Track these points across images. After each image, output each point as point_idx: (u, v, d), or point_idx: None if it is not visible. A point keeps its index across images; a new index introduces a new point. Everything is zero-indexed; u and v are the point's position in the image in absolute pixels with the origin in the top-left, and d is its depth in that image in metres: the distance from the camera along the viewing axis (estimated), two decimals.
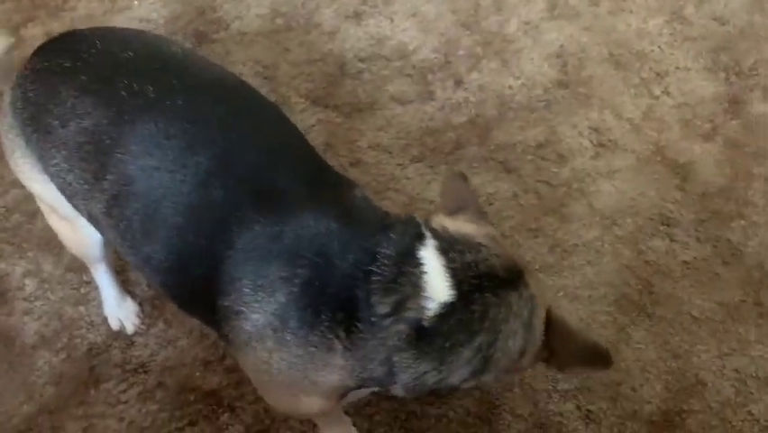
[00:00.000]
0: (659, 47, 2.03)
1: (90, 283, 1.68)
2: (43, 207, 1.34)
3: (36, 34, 2.24)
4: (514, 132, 1.88)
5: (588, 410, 1.45)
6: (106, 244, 1.36)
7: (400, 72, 2.03)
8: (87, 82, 1.06)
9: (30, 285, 1.69)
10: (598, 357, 0.95)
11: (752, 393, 1.46)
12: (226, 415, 1.48)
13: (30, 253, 1.75)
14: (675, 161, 1.81)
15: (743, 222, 1.70)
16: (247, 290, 0.95)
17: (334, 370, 0.95)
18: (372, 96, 1.99)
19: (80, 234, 1.29)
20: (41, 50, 1.18)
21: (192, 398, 1.51)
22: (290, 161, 1.04)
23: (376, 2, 2.19)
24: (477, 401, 1.47)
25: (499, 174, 1.80)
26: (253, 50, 2.13)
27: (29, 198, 1.82)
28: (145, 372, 1.55)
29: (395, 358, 0.92)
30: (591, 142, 1.85)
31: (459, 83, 1.99)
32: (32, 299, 1.68)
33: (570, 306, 1.59)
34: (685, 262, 1.64)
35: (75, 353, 1.59)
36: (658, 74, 1.98)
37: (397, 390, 0.96)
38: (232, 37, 2.17)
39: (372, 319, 0.91)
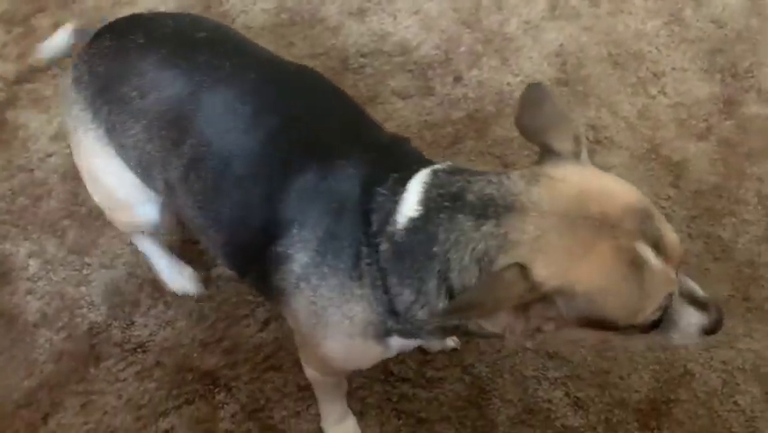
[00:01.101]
0: (656, 48, 2.07)
1: (91, 265, 1.72)
2: (94, 183, 1.35)
3: (45, 25, 2.28)
4: (512, 127, 1.88)
5: (576, 397, 1.48)
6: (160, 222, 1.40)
7: (401, 68, 2.07)
8: (168, 56, 1.16)
9: (33, 266, 1.73)
10: None
11: (738, 385, 1.49)
12: (222, 394, 1.51)
13: (34, 235, 1.78)
14: (669, 159, 1.84)
15: (734, 219, 1.73)
16: (295, 231, 1.03)
17: (357, 300, 1.01)
18: (374, 90, 2.03)
19: (134, 212, 1.36)
20: (105, 31, 1.26)
21: (189, 377, 1.54)
22: (342, 120, 1.15)
23: None
24: (467, 386, 1.50)
25: (497, 168, 1.83)
26: (258, 43, 2.17)
27: (35, 182, 1.86)
28: (144, 351, 1.58)
29: (387, 283, 0.97)
30: (588, 138, 1.88)
31: (458, 79, 2.03)
32: (35, 279, 1.71)
33: None
34: None
35: (75, 331, 1.62)
36: (655, 74, 2.02)
37: (420, 334, 1.02)
38: (237, 30, 2.21)
39: (370, 240, 0.97)
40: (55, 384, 1.55)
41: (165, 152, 1.15)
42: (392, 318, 1.02)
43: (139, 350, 1.58)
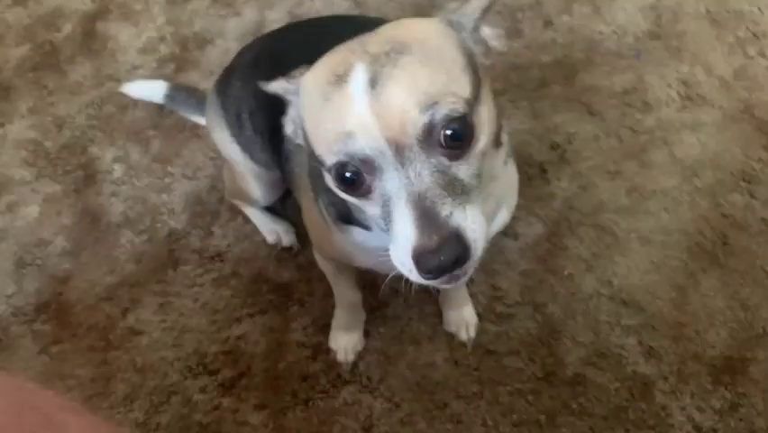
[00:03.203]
0: (758, 8, 1.97)
1: (174, 175, 1.75)
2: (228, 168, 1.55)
3: None
4: (601, 76, 1.86)
5: (649, 346, 1.45)
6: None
7: None
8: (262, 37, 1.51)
9: (118, 170, 1.78)
10: None
11: None
12: (295, 307, 1.54)
13: (119, 142, 1.83)
14: (764, 121, 1.76)
15: None
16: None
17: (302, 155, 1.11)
18: None
19: (250, 185, 1.49)
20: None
21: (264, 288, 1.57)
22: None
23: None
24: (538, 324, 1.50)
25: (582, 115, 1.79)
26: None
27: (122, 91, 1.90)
28: (221, 260, 1.62)
29: None
30: (679, 94, 1.82)
31: (548, 24, 1.98)
32: (119, 183, 1.76)
33: (641, 249, 1.59)
34: (763, 219, 1.61)
35: (156, 235, 1.66)
36: (755, 35, 1.93)
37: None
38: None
39: None
40: (135, 283, 1.60)
41: (245, 88, 1.32)
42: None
43: (216, 258, 1.62)
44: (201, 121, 1.70)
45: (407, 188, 0.75)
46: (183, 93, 1.79)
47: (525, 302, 1.53)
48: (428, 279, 0.76)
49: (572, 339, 1.48)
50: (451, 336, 1.48)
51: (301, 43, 1.22)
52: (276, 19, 2.05)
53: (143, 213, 1.70)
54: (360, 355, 1.48)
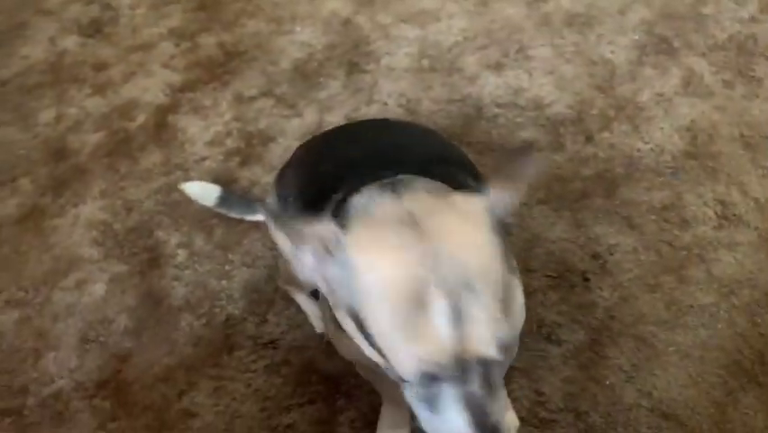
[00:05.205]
0: None
1: (234, 262, 1.86)
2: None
3: (210, 43, 2.52)
4: (640, 191, 1.97)
5: None
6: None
7: (533, 122, 2.17)
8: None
9: (181, 255, 1.89)
10: None
11: None
12: (343, 400, 1.59)
13: (184, 228, 1.95)
14: None
15: None
16: None
17: None
18: (505, 138, 2.13)
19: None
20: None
21: (314, 378, 1.63)
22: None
23: (517, 57, 2.36)
24: (580, 432, 1.53)
25: (622, 228, 1.88)
26: (399, 84, 2.33)
27: (189, 179, 2.04)
28: (274, 347, 1.69)
29: None
30: (716, 213, 1.91)
31: (589, 139, 2.10)
32: (182, 267, 1.87)
33: (680, 362, 1.63)
34: None
35: (214, 320, 1.75)
36: None
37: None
38: (380, 70, 2.38)
39: None
40: (191, 366, 1.68)
41: (293, 175, 1.43)
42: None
43: (270, 345, 1.69)
44: (252, 218, 1.85)
45: (464, 395, 0.82)
46: (235, 198, 1.91)
47: (568, 409, 1.57)
48: None
49: None
50: None
51: (341, 142, 1.41)
52: (333, 122, 2.21)
53: (203, 298, 1.80)
54: None
